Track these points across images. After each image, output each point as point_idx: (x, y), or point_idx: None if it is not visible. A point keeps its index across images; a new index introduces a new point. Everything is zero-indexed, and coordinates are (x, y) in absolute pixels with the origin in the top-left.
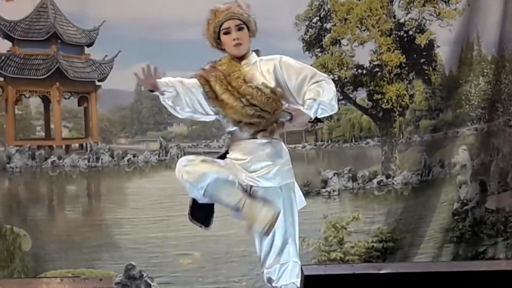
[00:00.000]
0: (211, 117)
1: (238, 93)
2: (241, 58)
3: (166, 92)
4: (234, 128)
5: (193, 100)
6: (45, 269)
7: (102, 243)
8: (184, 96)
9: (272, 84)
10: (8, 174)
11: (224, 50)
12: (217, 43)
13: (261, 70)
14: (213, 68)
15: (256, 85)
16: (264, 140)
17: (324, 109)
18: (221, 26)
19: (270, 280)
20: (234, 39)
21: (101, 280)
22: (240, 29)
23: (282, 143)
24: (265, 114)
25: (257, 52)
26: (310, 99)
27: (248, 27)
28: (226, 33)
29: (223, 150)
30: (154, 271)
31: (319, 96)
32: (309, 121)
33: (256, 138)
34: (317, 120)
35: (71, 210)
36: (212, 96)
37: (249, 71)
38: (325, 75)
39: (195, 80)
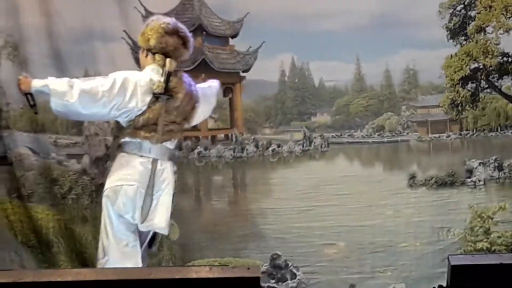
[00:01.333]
0: None
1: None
2: None
3: None
4: None
5: None
6: (193, 258)
7: (248, 233)
8: None
9: None
10: None
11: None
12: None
13: None
14: None
15: None
16: None
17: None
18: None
19: None
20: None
21: (248, 269)
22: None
23: None
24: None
25: None
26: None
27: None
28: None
29: None
30: (299, 261)
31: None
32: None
33: None
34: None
35: (217, 200)
36: None
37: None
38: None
39: None
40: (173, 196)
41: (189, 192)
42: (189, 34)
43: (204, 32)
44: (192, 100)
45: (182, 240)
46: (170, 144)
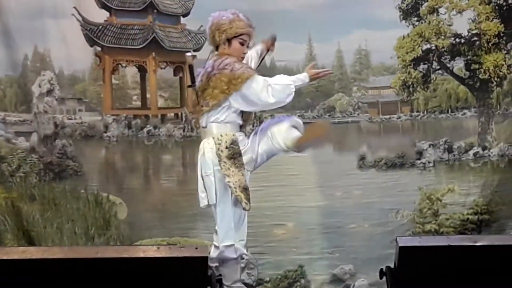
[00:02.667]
0: None
1: None
2: None
3: None
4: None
5: None
6: (140, 237)
7: (197, 212)
8: None
9: None
10: (104, 143)
11: (217, 47)
12: (223, 41)
13: None
14: (245, 65)
15: None
16: None
17: None
18: (240, 34)
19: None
20: (244, 52)
21: (196, 248)
22: (248, 45)
23: None
24: None
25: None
26: None
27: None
28: (241, 43)
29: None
30: (248, 241)
31: None
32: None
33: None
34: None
35: (166, 179)
36: None
37: None
38: None
39: None
40: None
41: (137, 171)
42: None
43: (155, 11)
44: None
45: (130, 219)
46: None
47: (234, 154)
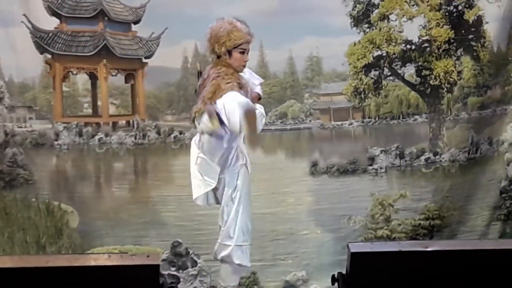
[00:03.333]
0: None
1: None
2: None
3: None
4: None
5: None
6: (92, 246)
7: (149, 220)
8: None
9: None
10: (55, 151)
11: (218, 57)
12: (223, 52)
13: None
14: (236, 81)
15: None
16: None
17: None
18: (240, 44)
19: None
20: (245, 61)
21: (148, 256)
22: (247, 52)
23: None
24: None
25: None
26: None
27: None
28: (242, 52)
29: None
30: (200, 248)
31: None
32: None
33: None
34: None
35: (118, 187)
36: None
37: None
38: None
39: None
40: None
41: (89, 179)
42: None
43: (106, 18)
44: None
45: (82, 228)
46: None
47: None
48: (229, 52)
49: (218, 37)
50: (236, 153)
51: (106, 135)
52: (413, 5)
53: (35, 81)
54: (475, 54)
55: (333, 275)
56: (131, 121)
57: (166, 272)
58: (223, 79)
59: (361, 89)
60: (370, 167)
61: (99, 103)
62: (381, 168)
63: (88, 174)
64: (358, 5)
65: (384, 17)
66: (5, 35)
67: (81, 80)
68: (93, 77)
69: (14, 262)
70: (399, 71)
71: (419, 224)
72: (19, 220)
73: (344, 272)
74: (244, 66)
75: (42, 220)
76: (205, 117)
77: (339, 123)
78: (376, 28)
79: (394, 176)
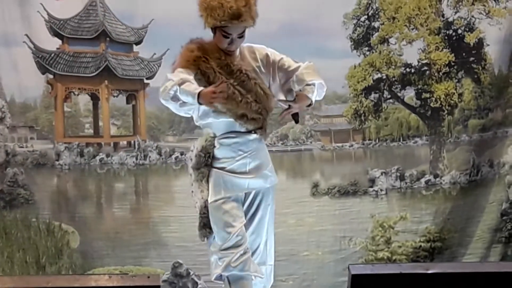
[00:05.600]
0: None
1: (242, 87)
2: None
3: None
4: (224, 120)
5: None
6: (93, 266)
7: (150, 240)
8: None
9: (261, 69)
10: (56, 171)
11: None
12: (211, 26)
13: (248, 58)
14: (203, 53)
15: (258, 81)
16: (259, 136)
17: (320, 92)
18: (223, 26)
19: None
20: (229, 44)
21: (148, 277)
22: (241, 37)
23: None
24: (264, 112)
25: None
26: (309, 84)
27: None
28: (225, 36)
29: (198, 154)
30: (201, 269)
31: (315, 78)
32: (307, 105)
33: (251, 132)
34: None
35: (119, 207)
36: None
37: (240, 61)
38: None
39: (191, 75)
40: None
41: (90, 200)
42: None
43: (107, 38)
44: None
45: (83, 248)
46: None
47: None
48: (214, 30)
49: (203, 9)
50: None
51: (107, 155)
52: (412, 29)
53: (37, 101)
54: (476, 76)
55: None
56: (132, 141)
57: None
58: (180, 54)
59: (361, 112)
60: (371, 189)
61: (100, 123)
62: (381, 190)
63: (89, 195)
64: (358, 28)
65: (384, 41)
66: (7, 55)
67: (83, 100)
68: (94, 98)
69: (14, 282)
70: (399, 94)
71: (420, 246)
72: (19, 240)
73: None
74: (228, 53)
75: (43, 240)
76: None
77: (340, 144)
78: (376, 51)
79: (395, 198)
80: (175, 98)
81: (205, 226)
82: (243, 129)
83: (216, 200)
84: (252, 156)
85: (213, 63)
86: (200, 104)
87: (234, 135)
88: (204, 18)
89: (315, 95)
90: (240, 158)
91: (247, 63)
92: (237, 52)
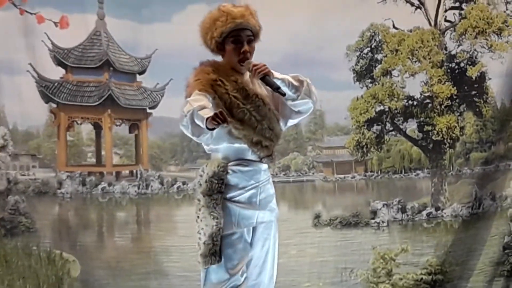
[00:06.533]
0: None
1: (257, 114)
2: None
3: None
4: (237, 146)
5: None
6: None
7: (151, 270)
8: None
9: (270, 94)
10: (58, 200)
11: (220, 55)
12: (217, 46)
13: (258, 85)
14: (219, 76)
15: (271, 108)
16: (267, 166)
17: (296, 85)
18: (230, 32)
19: None
20: (243, 52)
21: None
22: (249, 41)
23: None
24: (275, 139)
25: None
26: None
27: (255, 40)
28: (235, 42)
29: (210, 180)
30: None
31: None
32: (270, 82)
33: (261, 161)
34: (278, 89)
35: (120, 236)
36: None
37: (253, 84)
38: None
39: (209, 98)
40: None
41: (91, 228)
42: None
43: (111, 68)
44: None
45: (83, 277)
46: None
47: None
48: (223, 46)
49: (206, 29)
50: None
51: (109, 184)
52: (415, 62)
53: (40, 129)
54: (477, 110)
55: None
56: (134, 171)
57: None
58: (194, 76)
59: (364, 143)
60: (372, 221)
61: (103, 152)
62: (383, 221)
63: (91, 223)
64: (361, 60)
65: (386, 73)
66: (11, 83)
67: (86, 129)
68: (97, 127)
69: None
70: (401, 126)
71: (421, 278)
72: (20, 268)
73: None
74: (244, 60)
75: (43, 268)
76: None
77: (342, 176)
78: (378, 83)
79: (396, 230)
80: (192, 123)
81: (215, 254)
82: (254, 157)
83: (228, 235)
84: (262, 187)
85: (229, 86)
86: (208, 129)
87: (247, 163)
88: (209, 39)
89: (285, 79)
90: (251, 188)
91: (260, 89)
92: (247, 75)
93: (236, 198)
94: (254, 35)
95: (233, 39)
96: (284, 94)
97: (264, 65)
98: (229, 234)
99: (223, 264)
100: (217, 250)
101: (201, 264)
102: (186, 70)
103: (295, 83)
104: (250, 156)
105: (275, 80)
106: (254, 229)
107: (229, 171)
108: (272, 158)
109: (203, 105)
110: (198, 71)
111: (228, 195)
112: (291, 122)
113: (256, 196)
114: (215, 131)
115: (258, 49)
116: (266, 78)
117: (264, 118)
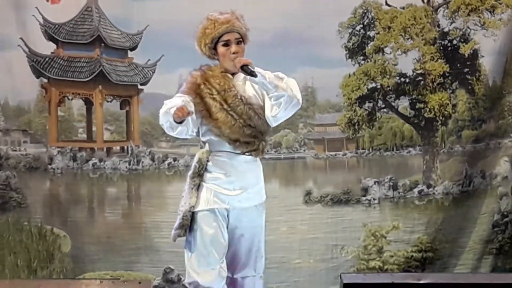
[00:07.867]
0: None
1: (235, 113)
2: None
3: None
4: (221, 140)
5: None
6: (84, 271)
7: (141, 246)
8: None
9: (259, 93)
10: (49, 175)
11: (216, 59)
12: (211, 52)
13: (248, 84)
14: (205, 80)
15: (254, 106)
16: (251, 158)
17: (276, 82)
18: (220, 37)
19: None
20: (233, 53)
21: (140, 283)
22: (238, 42)
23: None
24: (259, 135)
25: None
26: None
27: (243, 41)
28: (225, 45)
29: (195, 165)
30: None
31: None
32: (248, 70)
33: (243, 154)
34: (251, 72)
35: (111, 212)
36: (205, 115)
37: (241, 85)
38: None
39: (189, 98)
40: None
41: (82, 204)
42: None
43: (102, 44)
44: None
45: (74, 252)
46: None
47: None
48: (216, 51)
49: (199, 38)
50: None
51: (100, 160)
52: (408, 39)
53: (31, 105)
54: (470, 87)
55: None
56: (125, 147)
57: None
58: (186, 82)
59: (355, 121)
60: (364, 198)
61: (94, 128)
62: (374, 199)
63: (81, 199)
64: (353, 37)
65: (379, 50)
66: (2, 58)
67: (77, 105)
68: (88, 103)
69: (5, 286)
70: (393, 104)
71: (412, 256)
72: (11, 243)
73: None
74: (234, 60)
75: (34, 244)
76: None
77: (333, 153)
78: (371, 61)
79: (387, 207)
80: (166, 120)
81: (183, 227)
82: (236, 150)
83: (203, 210)
84: (239, 177)
85: (212, 89)
86: (176, 122)
87: (226, 154)
88: (203, 47)
89: (263, 73)
90: (228, 177)
91: (248, 89)
92: (241, 76)
93: (213, 182)
94: (242, 37)
95: (223, 43)
96: (255, 75)
97: (248, 60)
98: (202, 211)
99: (198, 240)
100: (185, 224)
101: (172, 236)
102: (177, 47)
103: (274, 78)
104: (231, 149)
105: (254, 70)
106: (229, 214)
107: (210, 159)
108: (258, 151)
109: (175, 104)
110: (189, 76)
111: (206, 179)
112: (277, 118)
113: (232, 183)
114: (203, 127)
115: (249, 26)
116: (244, 67)
117: (242, 116)
